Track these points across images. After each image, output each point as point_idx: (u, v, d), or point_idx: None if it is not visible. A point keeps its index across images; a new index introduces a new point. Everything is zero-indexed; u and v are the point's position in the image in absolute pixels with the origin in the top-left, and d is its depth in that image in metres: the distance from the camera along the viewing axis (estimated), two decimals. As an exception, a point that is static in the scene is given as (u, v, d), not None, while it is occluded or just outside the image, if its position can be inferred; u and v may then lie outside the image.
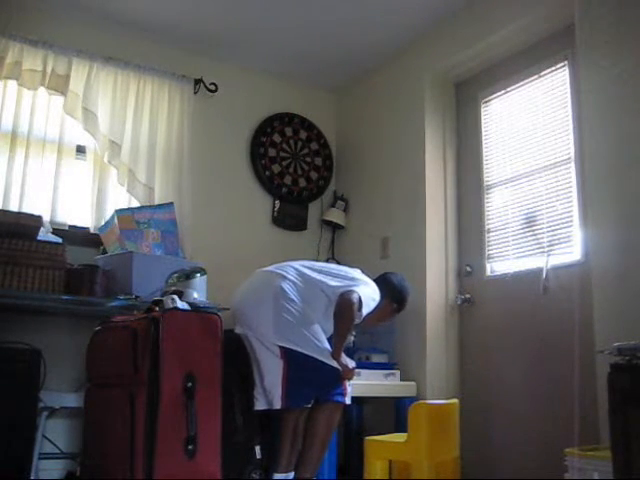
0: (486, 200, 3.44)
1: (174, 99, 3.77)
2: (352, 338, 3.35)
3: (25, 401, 2.60)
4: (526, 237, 3.17)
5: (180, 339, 2.38)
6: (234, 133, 4.08)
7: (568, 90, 3.04)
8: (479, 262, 3.43)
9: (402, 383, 3.36)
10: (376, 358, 3.43)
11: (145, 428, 2.25)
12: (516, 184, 3.27)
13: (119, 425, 2.29)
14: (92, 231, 3.44)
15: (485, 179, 3.47)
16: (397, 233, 3.76)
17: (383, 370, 3.34)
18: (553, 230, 3.03)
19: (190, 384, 2.35)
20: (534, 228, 3.13)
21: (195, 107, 3.85)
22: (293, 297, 2.69)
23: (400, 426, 3.09)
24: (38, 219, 2.92)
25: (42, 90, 3.39)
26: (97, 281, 2.96)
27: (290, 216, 4.19)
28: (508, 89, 3.39)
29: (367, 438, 2.86)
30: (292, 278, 2.76)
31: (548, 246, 3.04)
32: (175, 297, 2.51)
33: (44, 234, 2.94)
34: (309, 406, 2.67)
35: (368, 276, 2.95)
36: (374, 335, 3.57)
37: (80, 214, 3.50)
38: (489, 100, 3.52)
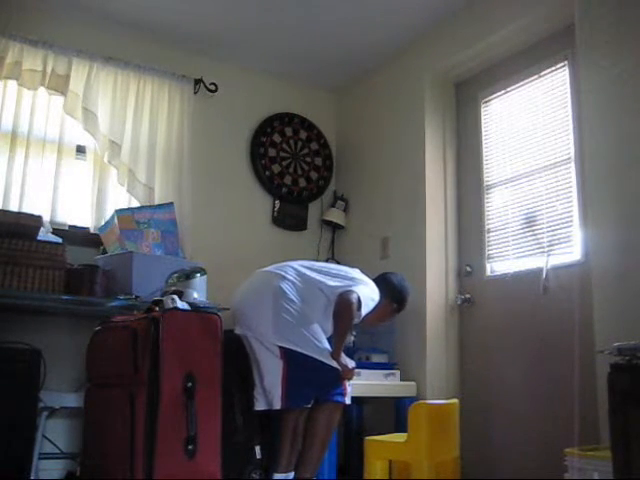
0: (486, 200, 3.44)
1: (174, 99, 3.77)
2: (352, 338, 3.36)
3: (25, 401, 2.60)
4: (526, 237, 3.17)
5: (180, 339, 2.38)
6: (234, 133, 4.08)
7: (568, 90, 3.04)
8: (479, 262, 3.43)
9: (402, 383, 3.36)
10: (376, 358, 3.43)
11: (145, 428, 2.25)
12: (516, 184, 3.27)
13: (119, 425, 2.29)
14: (92, 231, 3.44)
15: (485, 179, 3.47)
16: (397, 233, 3.76)
17: (383, 370, 3.34)
18: (553, 230, 3.03)
19: (190, 384, 2.35)
20: (534, 228, 3.13)
21: (195, 107, 3.85)
22: (292, 297, 2.70)
23: (400, 426, 3.09)
24: (38, 219, 2.92)
25: (42, 90, 3.39)
26: (97, 281, 2.96)
27: (290, 216, 4.19)
28: (508, 89, 3.39)
29: (367, 438, 2.86)
30: (291, 278, 2.76)
31: (548, 246, 3.04)
32: (175, 297, 2.51)
33: (44, 234, 2.94)
34: (309, 406, 2.67)
35: (368, 276, 2.95)
36: (374, 335, 3.57)
37: (80, 214, 3.50)
38: (489, 100, 3.52)
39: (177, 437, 2.29)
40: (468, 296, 3.46)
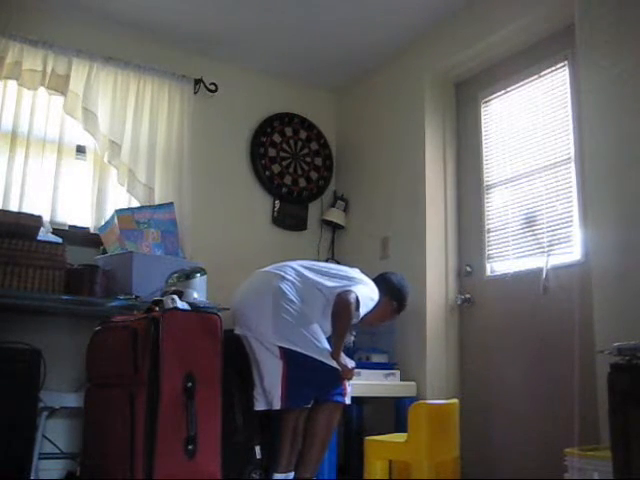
0: (486, 200, 3.44)
1: (174, 99, 3.77)
2: (352, 338, 3.36)
3: (25, 401, 2.60)
4: (526, 237, 3.17)
5: (180, 339, 2.38)
6: (234, 133, 4.08)
7: (568, 90, 3.04)
8: (479, 262, 3.43)
9: (402, 383, 3.36)
10: (376, 358, 3.43)
11: (145, 428, 2.25)
12: (516, 184, 3.27)
13: (119, 425, 2.29)
14: (92, 231, 3.44)
15: (485, 179, 3.47)
16: (397, 233, 3.76)
17: (383, 370, 3.34)
18: (553, 230, 3.03)
19: (190, 384, 2.35)
20: (534, 228, 3.12)
21: (195, 107, 3.85)
22: (292, 297, 2.70)
23: (400, 426, 3.09)
24: (38, 219, 2.92)
25: (42, 90, 3.39)
26: (97, 281, 2.97)
27: (290, 216, 4.19)
28: (508, 89, 3.39)
29: (367, 438, 2.86)
30: (291, 278, 2.76)
31: (548, 246, 3.04)
32: (175, 297, 2.51)
33: (44, 234, 2.94)
34: (309, 406, 2.67)
35: (368, 276, 2.95)
36: (374, 335, 3.57)
37: (80, 214, 3.50)
38: (489, 100, 3.52)
39: (177, 437, 2.29)
40: (468, 296, 3.46)
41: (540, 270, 3.03)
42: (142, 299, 2.88)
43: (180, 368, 2.35)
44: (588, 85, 2.76)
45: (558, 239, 3.00)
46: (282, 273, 2.77)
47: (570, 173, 2.99)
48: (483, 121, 3.53)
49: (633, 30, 2.61)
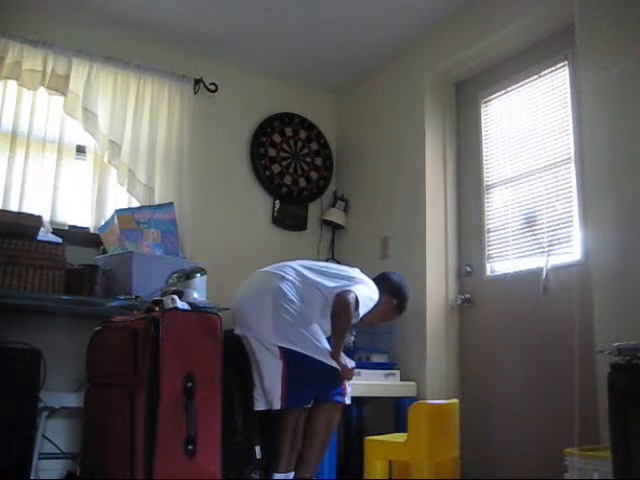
0: (486, 200, 3.44)
1: (174, 99, 3.77)
2: (352, 338, 3.36)
3: (25, 401, 2.60)
4: (526, 237, 3.17)
5: (180, 339, 2.38)
6: (234, 133, 4.08)
7: (568, 90, 3.04)
8: (479, 262, 3.43)
9: (402, 383, 3.36)
10: (376, 358, 3.43)
11: (145, 428, 2.25)
12: (516, 184, 3.27)
13: (119, 425, 2.29)
14: (92, 231, 3.44)
15: (485, 179, 3.47)
16: (397, 233, 3.76)
17: (383, 370, 3.34)
18: (553, 230, 3.03)
19: (190, 384, 2.35)
20: (534, 228, 3.12)
21: (195, 107, 3.85)
22: (292, 297, 2.69)
23: (400, 426, 3.09)
24: (38, 219, 2.92)
25: (42, 90, 3.39)
26: (97, 281, 2.97)
27: (290, 216, 4.19)
28: (508, 89, 3.39)
29: (367, 438, 2.86)
30: (291, 278, 2.76)
31: (548, 246, 3.04)
32: (175, 297, 2.51)
33: (44, 234, 2.94)
34: (309, 406, 2.67)
35: (368, 276, 2.95)
36: (374, 335, 3.57)
37: (80, 214, 3.50)
38: (489, 100, 3.52)
39: (177, 437, 2.29)
40: (468, 296, 3.46)
41: (540, 270, 3.03)
42: (142, 299, 2.88)
43: (180, 368, 2.35)
44: (588, 85, 2.76)
45: (558, 239, 3.00)
46: (282, 273, 2.77)
47: (570, 173, 2.99)
48: (483, 121, 3.53)
49: (633, 30, 2.61)
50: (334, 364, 2.62)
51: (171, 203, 3.49)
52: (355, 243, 4.14)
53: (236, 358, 2.71)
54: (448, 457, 2.80)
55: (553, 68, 3.15)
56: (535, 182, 3.16)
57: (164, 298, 2.52)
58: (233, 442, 2.67)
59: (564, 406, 2.74)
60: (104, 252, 3.28)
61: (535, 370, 2.99)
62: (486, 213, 3.43)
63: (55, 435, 3.09)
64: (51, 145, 3.41)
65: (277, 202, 4.16)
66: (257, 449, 2.77)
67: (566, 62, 3.07)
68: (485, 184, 3.46)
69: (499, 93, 3.45)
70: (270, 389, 2.62)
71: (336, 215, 4.18)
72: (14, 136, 3.29)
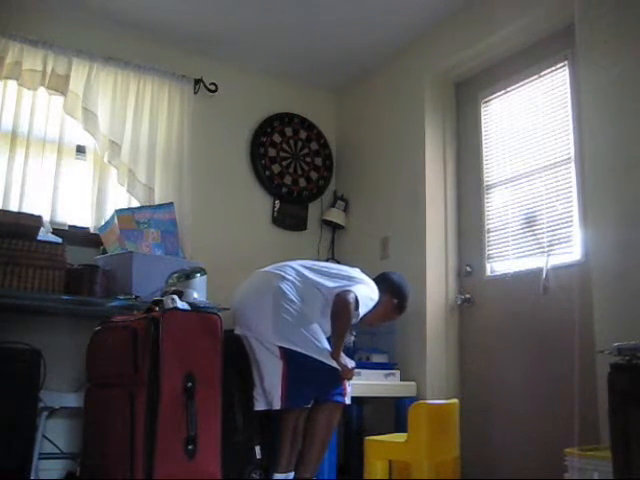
0: (486, 200, 3.44)
1: (174, 99, 3.77)
2: (352, 338, 3.36)
3: (25, 401, 2.60)
4: (526, 237, 3.17)
5: (180, 339, 2.38)
6: (234, 133, 4.08)
7: (568, 90, 3.04)
8: (479, 262, 3.43)
9: (402, 383, 3.36)
10: (376, 358, 3.43)
11: (145, 428, 2.25)
12: (516, 184, 3.27)
13: (119, 425, 2.29)
14: (92, 231, 3.44)
15: (485, 179, 3.47)
16: (397, 233, 3.76)
17: (383, 370, 3.34)
18: (553, 230, 3.03)
19: (190, 384, 2.35)
20: (534, 228, 3.12)
21: (195, 107, 3.85)
22: (292, 297, 2.69)
23: (400, 426, 3.09)
24: (38, 219, 2.92)
25: (42, 90, 3.39)
26: (97, 281, 2.97)
27: (290, 216, 4.19)
28: (508, 89, 3.39)
29: (367, 438, 2.86)
30: (291, 278, 2.76)
31: (548, 246, 3.04)
32: (175, 297, 2.51)
33: (44, 234, 2.94)
34: (309, 406, 2.67)
35: (368, 276, 2.95)
36: (374, 335, 3.57)
37: (80, 214, 3.50)
38: (489, 100, 3.52)
39: (177, 437, 2.29)
40: (468, 296, 3.46)
41: (540, 270, 3.03)
42: (142, 299, 2.88)
43: (180, 368, 2.35)
44: (588, 85, 2.76)
45: (558, 239, 3.00)
46: (282, 273, 2.77)
47: (570, 173, 2.99)
48: (483, 121, 3.53)
49: (633, 30, 2.61)
50: (334, 364, 2.62)
51: (171, 203, 3.49)
52: (355, 243, 4.14)
53: (236, 358, 2.71)
54: (448, 457, 2.80)
55: (553, 68, 3.15)
56: (535, 182, 3.16)
57: (164, 298, 2.52)
58: (233, 442, 2.67)
59: (564, 406, 2.74)
60: (104, 252, 3.28)
61: (535, 370, 2.99)
62: (486, 213, 3.43)
63: (55, 435, 3.09)
64: (51, 145, 3.41)
65: (277, 202, 4.16)
66: (257, 449, 2.77)
67: (566, 62, 3.07)
68: (485, 184, 3.46)
69: (499, 93, 3.45)
70: (270, 389, 2.62)
71: (336, 215, 4.18)
72: (14, 136, 3.30)
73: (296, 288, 2.73)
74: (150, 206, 3.45)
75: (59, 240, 2.99)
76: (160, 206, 3.44)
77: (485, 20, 3.32)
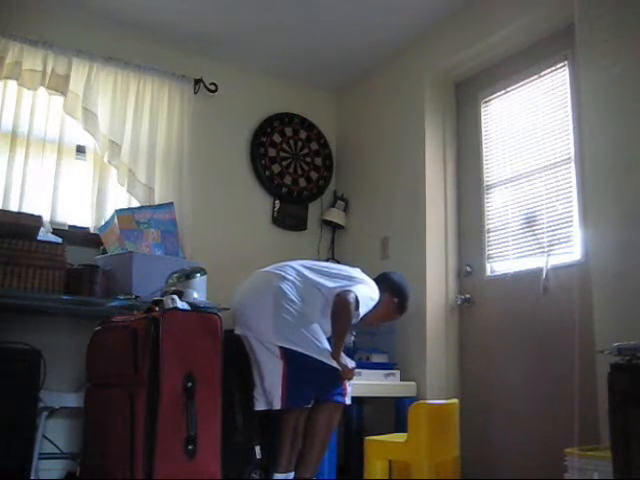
0: (486, 200, 3.44)
1: (174, 99, 3.77)
2: (352, 338, 3.36)
3: (25, 401, 2.60)
4: (526, 237, 3.17)
5: (180, 339, 2.38)
6: (234, 133, 4.08)
7: (568, 90, 3.04)
8: (479, 262, 3.43)
9: (402, 383, 3.36)
10: (376, 358, 3.43)
11: (145, 428, 2.25)
12: (516, 184, 3.27)
13: (119, 425, 2.29)
14: (92, 231, 3.44)
15: (485, 179, 3.47)
16: (397, 233, 3.76)
17: (383, 370, 3.34)
18: (553, 230, 3.03)
19: (190, 384, 2.35)
20: (534, 228, 3.12)
21: (195, 107, 3.85)
22: (293, 297, 2.69)
23: (400, 426, 3.09)
24: (38, 219, 2.92)
25: (42, 90, 3.39)
26: (97, 281, 2.97)
27: (290, 216, 4.19)
28: (508, 89, 3.39)
29: (367, 438, 2.86)
30: (291, 278, 2.76)
31: (548, 246, 3.04)
32: (175, 297, 2.51)
33: (44, 234, 2.94)
34: (309, 406, 2.67)
35: (368, 276, 2.95)
36: (374, 335, 3.57)
37: (80, 214, 3.50)
38: (489, 100, 3.52)
39: (177, 437, 2.29)
40: (468, 296, 3.46)
41: (540, 270, 3.03)
42: (142, 299, 2.88)
43: (180, 368, 2.35)
44: (588, 85, 2.76)
45: (558, 239, 3.00)
46: (283, 273, 2.77)
47: (570, 173, 2.99)
48: (483, 121, 3.53)
49: (633, 30, 2.61)
50: (335, 364, 2.62)
51: (171, 203, 3.49)
52: (355, 243, 4.14)
53: (236, 358, 2.71)
54: (448, 457, 2.80)
55: (553, 68, 3.15)
56: (535, 182, 3.16)
57: (164, 298, 2.52)
58: (233, 442, 2.67)
59: (564, 406, 2.74)
60: (104, 252, 3.28)
61: (535, 370, 2.99)
62: (486, 213, 3.43)
63: (55, 435, 3.09)
64: (51, 145, 3.41)
65: (277, 202, 4.16)
66: (257, 449, 2.77)
67: (566, 62, 3.07)
68: (485, 184, 3.46)
69: (499, 93, 3.45)
70: (270, 389, 2.62)
71: (336, 215, 4.18)
72: (14, 136, 3.29)
73: (296, 288, 2.73)
74: (150, 206, 3.45)
75: (59, 240, 2.99)
76: (160, 206, 3.44)
77: (485, 20, 3.32)
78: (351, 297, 2.68)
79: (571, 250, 2.94)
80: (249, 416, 2.75)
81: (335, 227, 4.25)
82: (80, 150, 3.55)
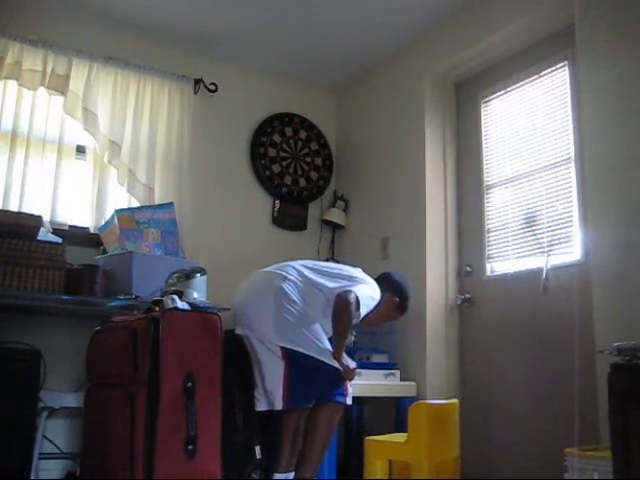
0: (486, 200, 3.44)
1: (174, 99, 3.77)
2: (352, 338, 3.36)
3: (25, 401, 2.60)
4: (526, 237, 3.17)
5: (180, 339, 2.38)
6: (234, 133, 4.08)
7: (568, 90, 3.04)
8: (479, 262, 3.43)
9: (402, 383, 3.36)
10: (376, 358, 3.43)
11: (145, 428, 2.25)
12: (516, 184, 3.27)
13: (119, 425, 2.29)
14: (92, 231, 3.44)
15: (485, 179, 3.47)
16: (397, 233, 3.76)
17: (383, 370, 3.34)
18: (553, 230, 3.03)
19: (190, 384, 2.35)
20: (534, 228, 3.13)
21: (195, 107, 3.85)
22: (294, 297, 2.69)
23: (400, 426, 3.09)
24: (38, 219, 2.92)
25: (42, 90, 3.38)
26: (97, 281, 2.96)
27: (290, 216, 4.19)
28: (508, 89, 3.39)
29: (367, 438, 2.86)
30: (293, 278, 2.76)
31: (548, 246, 3.04)
32: (175, 297, 2.51)
33: (44, 234, 2.94)
34: (310, 406, 2.67)
35: (369, 276, 2.94)
36: (374, 335, 3.57)
37: (80, 214, 3.50)
38: (489, 100, 3.52)
39: (177, 437, 2.29)
40: (468, 296, 3.46)
41: (540, 270, 3.03)
42: (142, 299, 2.88)
43: (180, 368, 2.35)
44: (588, 85, 2.76)
45: (558, 239, 3.00)
46: (284, 273, 2.77)
47: (570, 173, 2.99)
48: (483, 121, 3.53)
49: (633, 30, 2.61)
50: (336, 364, 2.62)
51: (171, 203, 3.49)
52: (355, 243, 4.14)
53: (237, 358, 2.71)
54: (448, 457, 2.80)
55: (553, 68, 3.15)
56: (535, 182, 3.16)
57: (164, 298, 2.52)
58: (233, 442, 2.66)
59: (564, 406, 2.74)
60: (104, 252, 3.28)
61: (535, 370, 2.99)
62: (486, 213, 3.43)
63: (55, 435, 3.09)
64: (51, 145, 3.41)
65: (277, 202, 4.16)
66: (257, 449, 2.77)
67: (566, 62, 3.07)
68: (485, 184, 3.46)
69: (499, 93, 3.45)
70: (272, 389, 2.62)
71: (336, 215, 4.18)
72: (14, 136, 3.29)
73: (297, 288, 2.73)
74: (150, 206, 3.45)
75: (59, 240, 2.99)
76: (160, 206, 3.44)
77: (485, 20, 3.32)
78: (352, 297, 2.68)
79: (571, 250, 2.94)
80: (249, 416, 2.75)
81: (335, 227, 4.25)
82: (80, 150, 3.55)
